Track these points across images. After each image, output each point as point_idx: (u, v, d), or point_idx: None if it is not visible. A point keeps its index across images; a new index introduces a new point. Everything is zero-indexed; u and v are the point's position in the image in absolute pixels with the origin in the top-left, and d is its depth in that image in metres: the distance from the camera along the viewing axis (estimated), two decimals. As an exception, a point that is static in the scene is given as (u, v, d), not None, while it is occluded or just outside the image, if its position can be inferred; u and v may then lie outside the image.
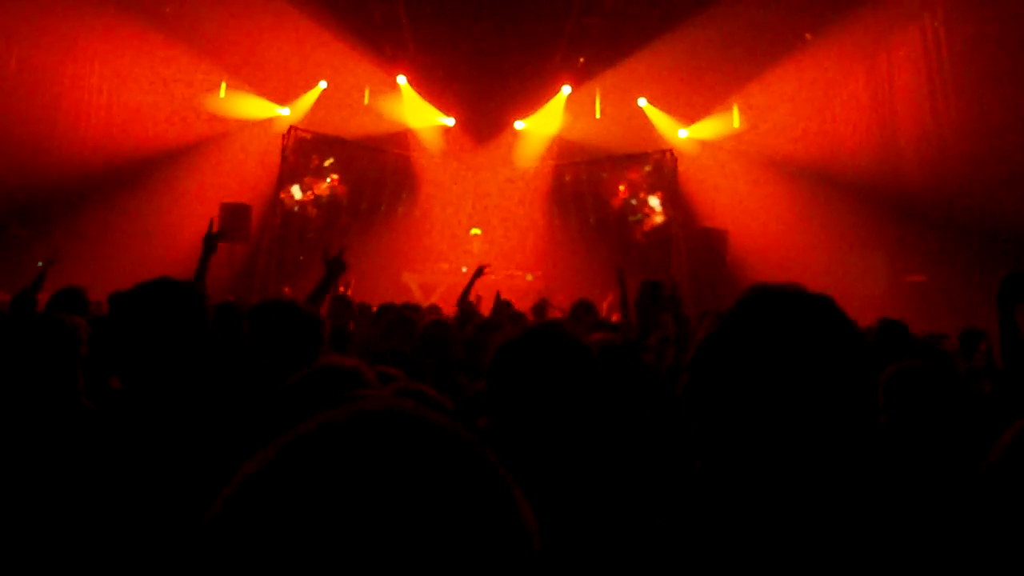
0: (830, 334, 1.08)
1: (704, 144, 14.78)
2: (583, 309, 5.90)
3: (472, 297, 7.59)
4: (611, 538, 1.10)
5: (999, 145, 10.33)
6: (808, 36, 12.71)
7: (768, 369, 1.05)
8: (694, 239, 13.21)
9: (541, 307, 7.52)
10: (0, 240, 10.86)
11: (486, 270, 6.97)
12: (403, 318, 4.26)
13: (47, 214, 11.39)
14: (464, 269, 14.24)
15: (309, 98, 14.49)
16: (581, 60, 14.22)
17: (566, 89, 14.61)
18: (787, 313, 1.09)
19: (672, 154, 14.54)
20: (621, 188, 15.24)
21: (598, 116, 14.87)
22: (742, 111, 14.21)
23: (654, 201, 14.90)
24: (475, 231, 14.96)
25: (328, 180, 14.89)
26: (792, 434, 1.04)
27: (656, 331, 3.90)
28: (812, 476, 1.03)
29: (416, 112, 15.02)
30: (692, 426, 1.12)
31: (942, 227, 10.86)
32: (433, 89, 14.72)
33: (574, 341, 1.74)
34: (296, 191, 14.45)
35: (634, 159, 15.10)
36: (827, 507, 1.03)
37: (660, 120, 14.83)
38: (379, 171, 15.24)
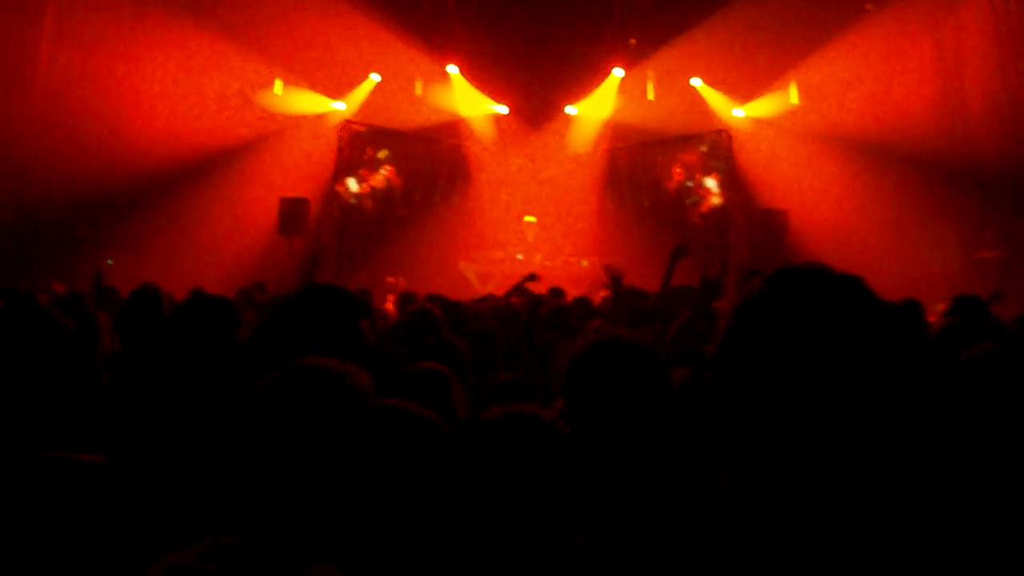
0: (858, 316, 1.03)
1: (761, 122, 14.46)
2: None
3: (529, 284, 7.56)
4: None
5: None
6: (868, 6, 12.31)
7: (793, 356, 1.01)
8: (753, 221, 12.97)
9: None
10: (67, 240, 11.25)
11: (536, 271, 6.96)
12: (425, 310, 4.22)
13: (114, 213, 11.76)
14: (520, 256, 14.26)
15: (362, 91, 14.63)
16: (632, 42, 14.04)
17: (618, 72, 14.45)
18: (815, 296, 1.05)
19: (728, 134, 14.28)
20: (676, 170, 15.04)
21: (651, 98, 14.68)
22: (800, 87, 13.84)
23: (710, 182, 14.67)
24: (529, 218, 14.95)
25: (383, 172, 15.05)
26: (824, 427, 1.00)
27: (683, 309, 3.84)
28: (844, 474, 0.99)
29: (468, 101, 15.05)
30: (720, 422, 1.09)
31: (1015, 200, 10.44)
32: (484, 77, 14.72)
33: (646, 352, 1.80)
34: (352, 184, 14.64)
35: (689, 140, 14.89)
36: (865, 509, 0.98)
37: (714, 99, 14.56)
38: (433, 161, 15.34)
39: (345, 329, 2.35)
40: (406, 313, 4.24)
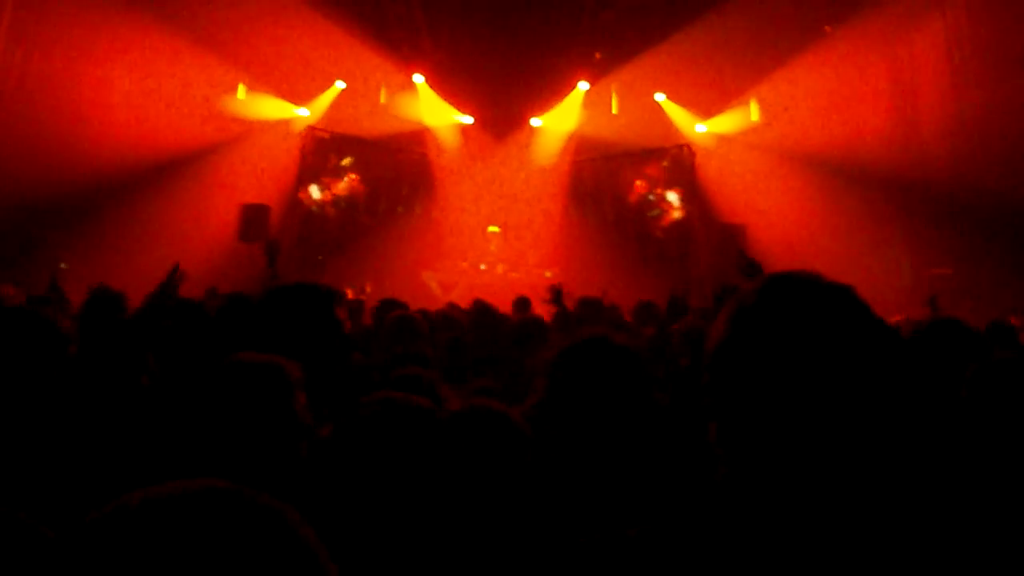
0: (852, 324, 1.06)
1: (722, 138, 14.69)
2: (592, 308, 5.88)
3: (485, 296, 7.56)
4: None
5: (1024, 135, 10.19)
6: (828, 28, 12.59)
7: (789, 363, 1.04)
8: (713, 234, 13.14)
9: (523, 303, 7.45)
10: (22, 242, 10.98)
11: (499, 282, 6.98)
12: (407, 318, 4.21)
13: (69, 215, 11.51)
14: (483, 266, 14.26)
15: (327, 98, 14.54)
16: (597, 56, 14.17)
17: (583, 85, 14.57)
18: (809, 303, 1.08)
19: (690, 149, 14.46)
20: (639, 184, 15.18)
21: (615, 112, 14.81)
22: (760, 105, 14.10)
23: (672, 196, 14.83)
24: (493, 229, 14.96)
25: (346, 179, 14.94)
26: (817, 432, 1.02)
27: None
28: (838, 476, 1.01)
29: (433, 111, 15.03)
30: (713, 424, 1.10)
31: (966, 219, 10.73)
32: (450, 87, 14.72)
33: (627, 349, 1.79)
34: (315, 191, 14.52)
35: (652, 154, 15.04)
36: (858, 511, 1.00)
37: (677, 115, 14.75)
38: (397, 170, 15.28)
39: (324, 323, 2.31)
40: (386, 320, 4.21)
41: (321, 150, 14.48)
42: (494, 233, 14.88)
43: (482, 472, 1.72)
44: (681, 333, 4.23)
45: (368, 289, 11.28)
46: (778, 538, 1.00)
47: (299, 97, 14.51)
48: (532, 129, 15.45)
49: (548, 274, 14.13)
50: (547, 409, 1.78)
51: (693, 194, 14.28)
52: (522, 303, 7.40)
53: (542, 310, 7.62)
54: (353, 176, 15.01)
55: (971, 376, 2.02)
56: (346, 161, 15.03)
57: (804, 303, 1.08)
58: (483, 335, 4.61)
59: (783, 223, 12.75)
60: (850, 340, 1.05)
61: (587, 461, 1.69)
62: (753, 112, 14.17)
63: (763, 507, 1.02)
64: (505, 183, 15.69)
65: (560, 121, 15.25)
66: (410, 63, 14.18)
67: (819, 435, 1.02)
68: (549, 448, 1.76)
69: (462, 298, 9.94)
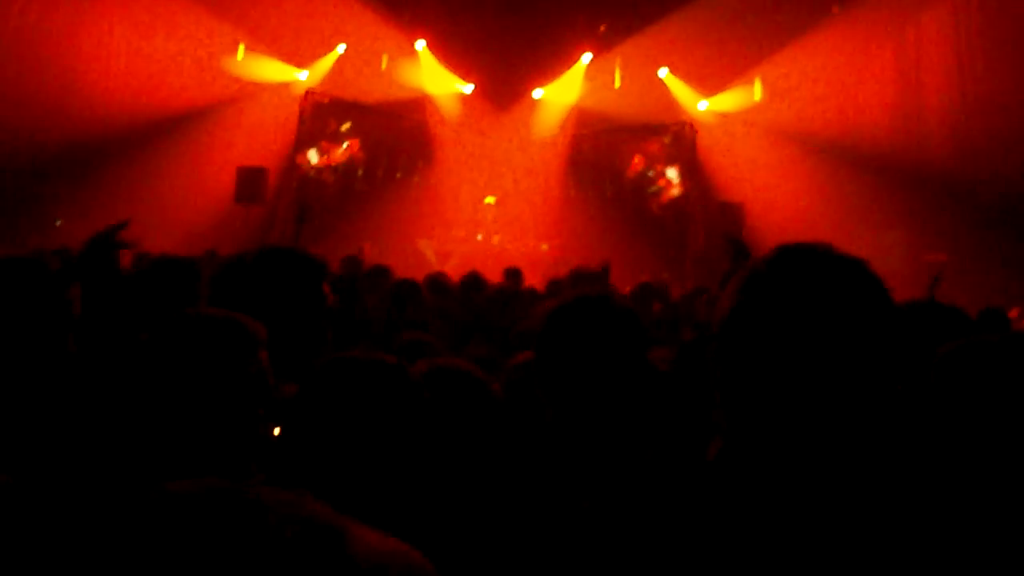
0: (866, 297, 1.05)
1: (724, 116, 14.60)
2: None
3: (480, 266, 7.53)
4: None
5: (1026, 123, 10.15)
6: (835, 9, 12.47)
7: (798, 333, 1.03)
8: (711, 212, 13.11)
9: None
10: (14, 198, 10.91)
11: (495, 252, 6.95)
12: (411, 285, 4.22)
13: (65, 172, 11.43)
14: (479, 237, 14.23)
15: (327, 62, 14.39)
16: (602, 28, 14.04)
17: (586, 57, 14.44)
18: (821, 274, 1.07)
19: (692, 126, 14.38)
20: (638, 159, 15.12)
21: (618, 86, 14.70)
22: (764, 84, 14.00)
23: (672, 173, 14.77)
24: (489, 199, 14.91)
25: (345, 145, 14.84)
26: (822, 403, 1.02)
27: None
28: (840, 448, 1.01)
29: (434, 78, 14.89)
30: (718, 393, 1.10)
31: (964, 205, 10.73)
32: (452, 55, 14.58)
33: (625, 308, 1.74)
34: (313, 155, 14.42)
35: (653, 130, 14.96)
36: (855, 485, 1.01)
37: (680, 91, 14.64)
38: (396, 137, 15.18)
39: (307, 292, 2.30)
40: (386, 287, 4.22)
41: (320, 114, 14.35)
42: (490, 204, 14.83)
43: (450, 431, 1.72)
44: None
45: (366, 249, 11.26)
46: (774, 508, 1.00)
47: (299, 60, 14.35)
48: (533, 100, 15.33)
49: (545, 247, 14.11)
50: (537, 368, 1.74)
51: (693, 171, 14.23)
52: (513, 273, 7.36)
53: (536, 282, 7.62)
54: (353, 141, 14.90)
55: (938, 360, 2.00)
56: (345, 126, 14.91)
57: (817, 273, 1.07)
58: (470, 304, 4.62)
59: (782, 203, 12.72)
60: (863, 313, 1.04)
61: (578, 423, 1.67)
62: (757, 91, 14.07)
63: (763, 476, 1.03)
64: (505, 154, 15.60)
65: (562, 93, 15.13)
66: (412, 29, 14.04)
67: (823, 405, 1.02)
68: (538, 409, 1.74)
69: (457, 268, 9.93)
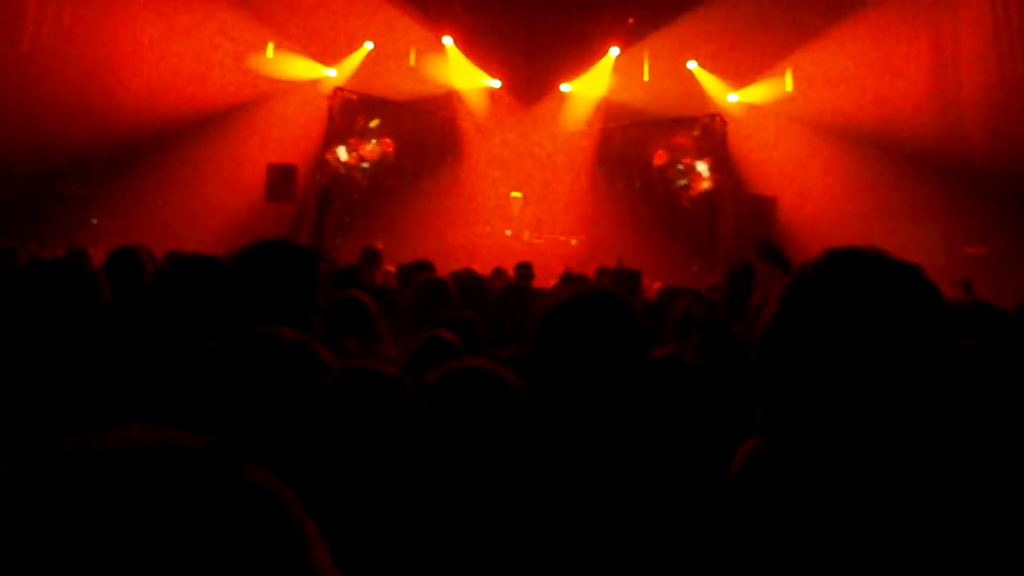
0: (921, 307, 1.01)
1: (755, 109, 14.43)
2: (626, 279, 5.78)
3: (509, 262, 7.54)
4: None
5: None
6: (868, -3, 12.25)
7: (853, 343, 0.99)
8: (742, 206, 12.96)
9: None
10: (54, 197, 11.11)
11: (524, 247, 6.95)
12: (437, 282, 4.18)
13: (99, 172, 11.61)
14: (508, 232, 14.22)
15: (355, 59, 14.45)
16: (630, 21, 13.93)
17: (614, 51, 14.34)
18: (874, 281, 1.02)
19: (722, 118, 14.22)
20: (666, 153, 15.00)
21: (646, 79, 14.59)
22: (795, 75, 13.80)
23: (702, 166, 14.63)
24: (516, 194, 14.89)
25: (374, 141, 14.90)
26: (876, 419, 0.98)
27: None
28: (898, 464, 0.98)
29: (462, 74, 14.90)
30: (760, 404, 1.06)
31: (1003, 197, 10.49)
32: (479, 50, 14.57)
33: (625, 306, 1.70)
34: (342, 152, 14.50)
35: (682, 123, 14.82)
36: (907, 500, 0.97)
37: (710, 83, 14.50)
38: (424, 133, 15.20)
39: (298, 288, 2.31)
40: (416, 284, 4.19)
41: (349, 111, 14.42)
42: (516, 198, 14.81)
43: (465, 437, 1.69)
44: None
45: (380, 247, 11.32)
46: (821, 520, 0.97)
47: (328, 57, 14.44)
48: (561, 94, 15.28)
49: (574, 241, 14.07)
50: (533, 366, 1.71)
51: (723, 164, 14.07)
52: (523, 268, 7.35)
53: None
54: (385, 139, 14.96)
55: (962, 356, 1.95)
56: (374, 123, 14.98)
57: (869, 280, 1.02)
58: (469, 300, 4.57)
59: (815, 196, 12.54)
60: (918, 322, 0.99)
61: (572, 421, 1.63)
62: (788, 82, 13.87)
63: (808, 488, 1.00)
64: (533, 148, 15.57)
65: (590, 87, 15.05)
66: (440, 25, 14.04)
67: (876, 415, 0.98)
68: (537, 405, 1.70)
69: (487, 263, 9.92)
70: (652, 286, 7.44)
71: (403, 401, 1.45)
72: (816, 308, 1.02)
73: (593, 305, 1.68)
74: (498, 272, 7.16)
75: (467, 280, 4.66)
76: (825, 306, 1.02)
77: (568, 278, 7.06)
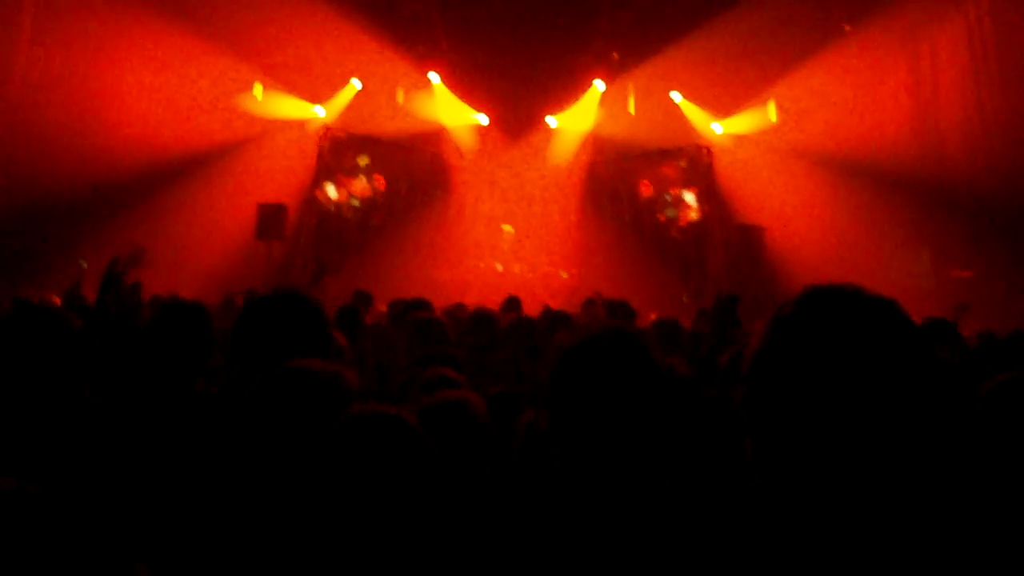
0: (897, 340, 1.03)
1: (739, 139, 14.60)
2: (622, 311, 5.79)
3: (500, 296, 7.54)
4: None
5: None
6: (847, 28, 12.47)
7: (832, 378, 1.01)
8: (730, 235, 13.06)
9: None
10: (41, 241, 11.08)
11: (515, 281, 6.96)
12: (432, 320, 4.21)
13: (88, 214, 11.60)
14: (499, 266, 14.26)
15: (343, 97, 14.58)
16: (614, 55, 14.12)
17: (599, 84, 14.52)
18: (852, 317, 1.04)
19: (708, 149, 14.38)
20: (646, 184, 15.15)
21: (632, 111, 14.75)
22: (778, 105, 14.00)
23: (689, 197, 14.76)
24: (507, 227, 14.96)
25: (363, 179, 15.00)
26: (858, 448, 1.00)
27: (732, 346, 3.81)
28: (880, 493, 0.99)
29: (449, 110, 15.03)
30: (749, 438, 1.08)
31: (989, 221, 10.60)
32: (466, 87, 14.72)
33: (644, 348, 1.69)
34: (331, 190, 14.57)
35: (669, 154, 14.98)
36: (894, 528, 0.98)
37: (695, 115, 14.67)
38: (413, 169, 15.30)
39: (316, 336, 2.34)
40: (409, 320, 4.21)
41: (338, 149, 14.52)
42: (508, 232, 14.87)
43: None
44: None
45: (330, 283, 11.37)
46: (808, 548, 0.98)
47: (316, 96, 14.56)
48: (548, 129, 15.42)
49: (564, 275, 14.11)
50: (550, 410, 1.69)
51: (710, 194, 14.20)
52: (512, 303, 7.35)
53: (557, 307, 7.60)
54: (377, 176, 15.06)
55: (987, 394, 1.97)
56: (363, 160, 15.07)
57: (845, 315, 1.05)
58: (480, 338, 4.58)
59: (802, 224, 12.65)
60: (892, 356, 1.02)
61: (591, 469, 1.61)
62: (771, 112, 14.07)
63: (795, 519, 1.01)
64: (521, 183, 15.67)
65: (576, 121, 15.21)
66: (426, 62, 14.19)
67: (855, 450, 1.00)
68: (558, 447, 1.68)
69: (478, 298, 9.94)
70: (647, 317, 7.45)
71: (412, 441, 1.47)
72: (796, 345, 1.05)
73: (609, 345, 1.67)
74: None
75: (478, 317, 4.68)
76: (804, 343, 1.04)
77: (592, 303, 7.04)
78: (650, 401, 1.62)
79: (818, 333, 1.04)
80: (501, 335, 4.63)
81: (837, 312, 1.06)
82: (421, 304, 5.30)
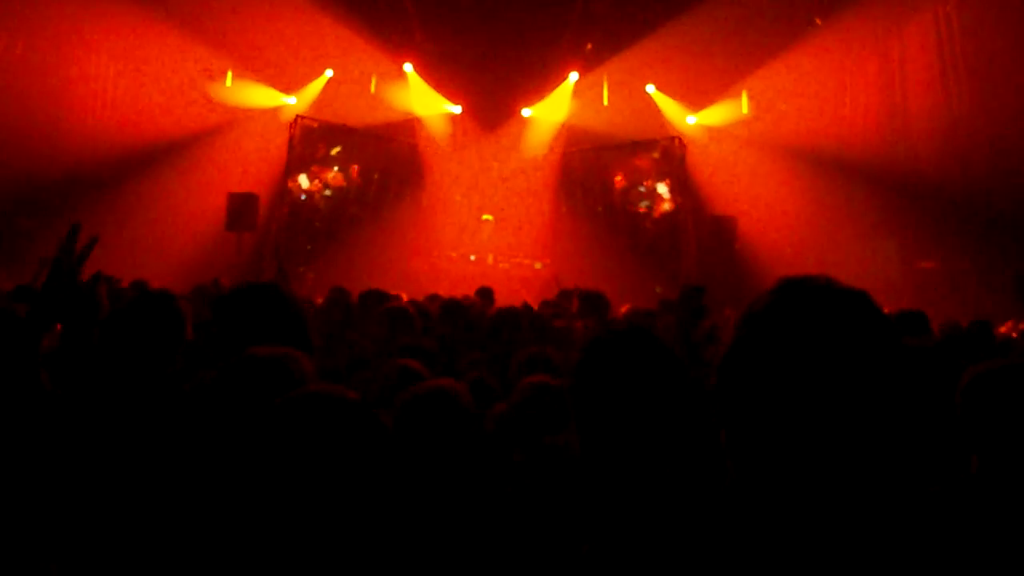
0: (868, 333, 1.04)
1: (713, 131, 14.69)
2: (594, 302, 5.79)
3: (474, 286, 7.54)
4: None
5: (1011, 131, 10.24)
6: (818, 21, 12.59)
7: (804, 371, 1.02)
8: (703, 226, 13.15)
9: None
10: (6, 231, 10.87)
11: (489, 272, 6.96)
12: (403, 310, 4.20)
13: (53, 205, 11.40)
14: (473, 257, 14.24)
15: (316, 87, 14.44)
16: (588, 46, 14.13)
17: (573, 76, 14.52)
18: (823, 311, 1.05)
19: (681, 141, 14.45)
20: (625, 176, 15.20)
21: (606, 103, 14.78)
22: (751, 97, 14.10)
23: (662, 188, 14.83)
24: (486, 216, 14.95)
25: (335, 168, 14.88)
26: (830, 441, 1.00)
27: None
28: (849, 485, 1.00)
29: (423, 100, 14.95)
30: (722, 430, 1.08)
31: (954, 213, 10.79)
32: (440, 77, 14.64)
33: (663, 346, 1.70)
34: (304, 180, 14.44)
35: (642, 146, 15.02)
36: (863, 522, 0.99)
37: (668, 106, 14.73)
38: (386, 159, 15.20)
39: (289, 328, 2.31)
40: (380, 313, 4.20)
41: (310, 139, 14.38)
42: (487, 221, 14.85)
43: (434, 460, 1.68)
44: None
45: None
46: (782, 544, 0.99)
47: (288, 85, 14.40)
48: (522, 119, 15.40)
49: (538, 265, 14.13)
50: (574, 400, 1.68)
51: (683, 186, 14.28)
52: (485, 292, 7.35)
53: (530, 300, 7.60)
54: (352, 166, 14.95)
55: (967, 383, 1.98)
56: (335, 150, 14.95)
57: (817, 309, 1.05)
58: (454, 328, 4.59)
59: (773, 215, 12.78)
60: (864, 347, 1.03)
61: (611, 459, 1.61)
62: (744, 105, 14.17)
63: (769, 513, 1.01)
64: (495, 173, 15.64)
65: (550, 112, 15.20)
66: (400, 52, 14.10)
67: (827, 442, 1.00)
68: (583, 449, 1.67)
69: (451, 288, 9.92)
70: (620, 308, 7.47)
71: (368, 425, 1.44)
72: (768, 339, 1.05)
73: (630, 343, 1.69)
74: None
75: (450, 307, 4.68)
76: (777, 337, 1.05)
77: (566, 294, 7.02)
78: (675, 398, 1.63)
79: (791, 327, 1.05)
80: (473, 325, 4.63)
81: (809, 305, 1.06)
82: (385, 295, 5.29)
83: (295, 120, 13.90)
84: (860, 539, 0.98)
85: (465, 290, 8.21)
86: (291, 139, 13.73)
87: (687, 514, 1.08)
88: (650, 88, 14.57)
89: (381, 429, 1.44)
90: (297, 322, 2.32)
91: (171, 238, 12.08)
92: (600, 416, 1.62)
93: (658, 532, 1.06)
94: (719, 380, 1.10)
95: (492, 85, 14.69)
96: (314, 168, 14.64)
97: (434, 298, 6.60)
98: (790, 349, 1.03)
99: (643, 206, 14.99)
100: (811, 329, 1.04)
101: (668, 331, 4.13)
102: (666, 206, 14.68)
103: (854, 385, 1.01)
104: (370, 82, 14.57)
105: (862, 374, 1.01)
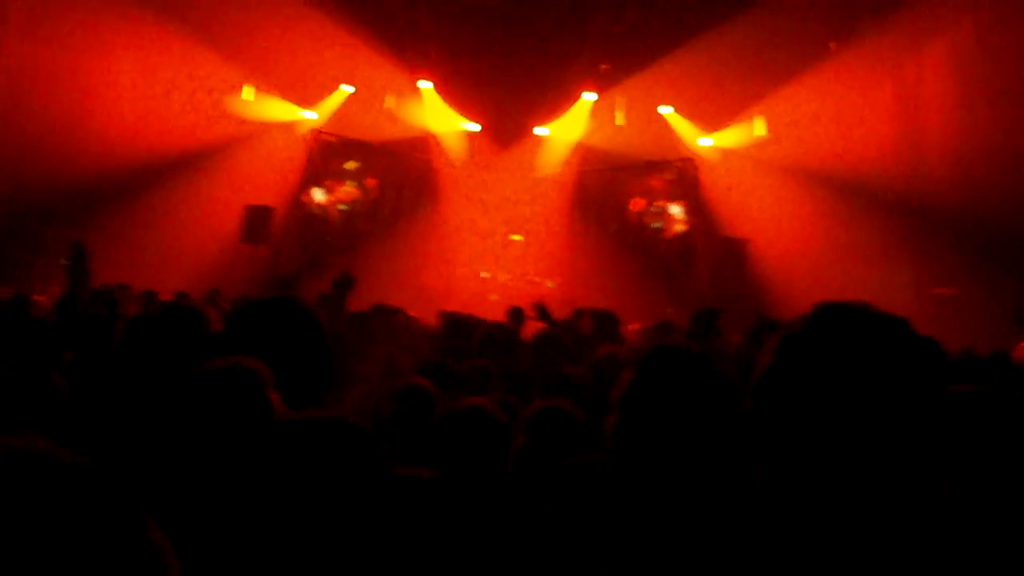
0: (911, 360, 1.02)
1: (726, 153, 14.69)
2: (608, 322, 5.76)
3: (486, 303, 7.51)
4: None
5: (1028, 157, 10.19)
6: (833, 46, 12.60)
7: (842, 396, 1.00)
8: (715, 248, 13.13)
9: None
10: (28, 240, 10.98)
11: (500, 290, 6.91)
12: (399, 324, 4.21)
13: (74, 214, 11.51)
14: (484, 274, 14.26)
15: (333, 101, 14.56)
16: (604, 67, 14.19)
17: (589, 96, 14.58)
18: (863, 336, 1.03)
19: (694, 162, 14.46)
20: (636, 199, 15.22)
21: (620, 123, 14.82)
22: (765, 120, 14.10)
23: (675, 209, 14.83)
24: (515, 237, 14.97)
25: (350, 183, 14.97)
26: (869, 469, 0.99)
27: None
28: (888, 513, 0.99)
29: (438, 117, 15.04)
30: (757, 454, 1.07)
31: (970, 239, 10.71)
32: (456, 94, 14.73)
33: (711, 366, 1.70)
34: (318, 194, 14.53)
35: (656, 167, 15.05)
36: (898, 547, 0.98)
37: (682, 128, 14.76)
38: (401, 175, 15.29)
39: (307, 342, 2.30)
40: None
41: (326, 153, 14.50)
42: (517, 241, 14.87)
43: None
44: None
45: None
46: (814, 565, 0.98)
47: (305, 100, 14.53)
48: (537, 138, 15.45)
49: (550, 284, 14.13)
50: (622, 418, 1.67)
51: (697, 207, 14.28)
52: (516, 313, 7.31)
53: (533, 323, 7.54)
54: (363, 179, 15.03)
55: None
56: (351, 165, 15.05)
57: (857, 335, 1.03)
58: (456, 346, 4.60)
59: (786, 238, 12.74)
60: (909, 377, 1.01)
61: (657, 480, 1.61)
62: (758, 127, 14.16)
63: (804, 534, 1.00)
64: (509, 191, 15.69)
65: (565, 131, 15.25)
66: (417, 69, 14.20)
67: (864, 469, 0.99)
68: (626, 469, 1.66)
69: (462, 305, 9.93)
70: (630, 328, 7.46)
71: (368, 451, 1.39)
72: (805, 363, 1.04)
73: (678, 363, 1.67)
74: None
75: (494, 334, 4.67)
76: (817, 358, 1.03)
77: (580, 313, 6.97)
78: (722, 415, 1.63)
79: (829, 351, 1.03)
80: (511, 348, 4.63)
81: (848, 330, 1.04)
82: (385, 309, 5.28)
83: (312, 134, 14.01)
84: (896, 569, 0.98)
85: (477, 307, 8.22)
86: (308, 153, 13.84)
87: (724, 534, 1.08)
88: (665, 109, 14.61)
89: (381, 456, 1.41)
90: (316, 337, 2.28)
91: (187, 249, 12.16)
92: (651, 433, 1.62)
93: (695, 552, 1.06)
94: (755, 402, 1.09)
95: (507, 103, 14.76)
96: (329, 182, 14.73)
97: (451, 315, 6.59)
98: (830, 372, 1.01)
99: (656, 227, 14.99)
100: (852, 353, 1.02)
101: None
102: (679, 227, 14.68)
103: (897, 411, 1.00)
104: (387, 98, 14.68)
105: (906, 400, 1.00)
